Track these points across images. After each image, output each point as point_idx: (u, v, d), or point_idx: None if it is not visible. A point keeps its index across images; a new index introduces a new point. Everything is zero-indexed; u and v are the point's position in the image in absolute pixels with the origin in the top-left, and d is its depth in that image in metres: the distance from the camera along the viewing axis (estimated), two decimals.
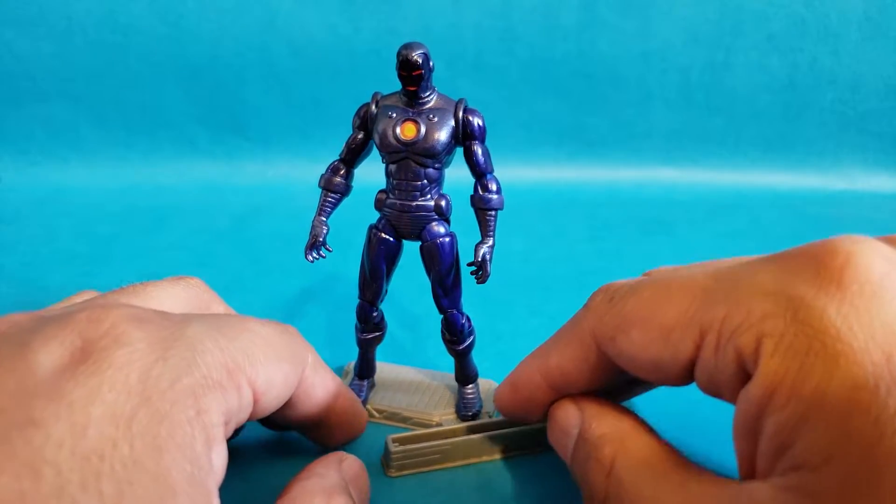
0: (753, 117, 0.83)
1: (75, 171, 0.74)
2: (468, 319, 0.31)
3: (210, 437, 0.18)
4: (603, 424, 0.22)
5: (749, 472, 0.18)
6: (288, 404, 0.25)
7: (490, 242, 0.28)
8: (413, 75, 0.26)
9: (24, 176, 0.73)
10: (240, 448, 0.29)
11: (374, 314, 0.31)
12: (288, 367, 0.23)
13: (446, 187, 0.29)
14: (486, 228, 0.28)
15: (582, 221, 0.69)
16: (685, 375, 0.20)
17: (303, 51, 0.76)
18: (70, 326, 0.19)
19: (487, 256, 0.27)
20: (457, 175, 0.30)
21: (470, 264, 0.28)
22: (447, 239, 0.29)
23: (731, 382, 0.18)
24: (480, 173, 0.28)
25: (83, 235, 0.60)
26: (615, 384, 0.25)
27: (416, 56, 0.26)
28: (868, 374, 0.15)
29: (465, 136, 0.28)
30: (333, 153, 0.29)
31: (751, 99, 0.82)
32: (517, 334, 0.32)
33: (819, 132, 0.83)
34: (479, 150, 0.28)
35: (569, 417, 0.23)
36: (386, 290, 0.31)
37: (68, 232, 0.61)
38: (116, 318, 0.19)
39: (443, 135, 0.27)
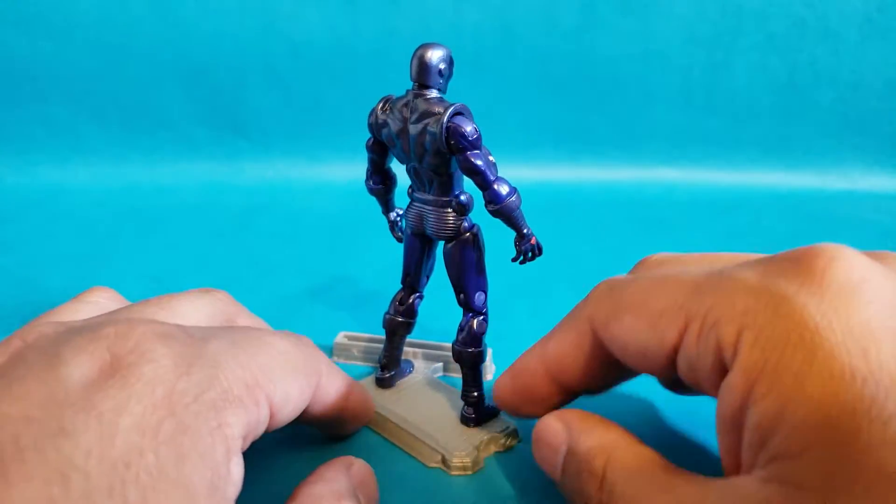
0: (753, 117, 0.83)
1: (75, 170, 0.74)
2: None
3: (229, 448, 0.19)
4: (591, 438, 0.22)
5: (733, 466, 0.18)
6: (303, 410, 0.25)
7: None
8: None
9: (24, 176, 0.73)
10: (250, 449, 0.29)
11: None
12: (304, 379, 0.24)
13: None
14: None
15: (582, 221, 0.69)
16: (669, 364, 0.21)
17: (303, 51, 0.76)
18: (98, 341, 0.19)
19: None
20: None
21: None
22: None
23: (710, 372, 0.19)
24: None
25: (83, 235, 0.60)
26: (604, 379, 0.26)
27: None
28: (845, 365, 0.16)
29: None
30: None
31: (751, 99, 0.82)
32: (517, 334, 0.32)
33: (819, 132, 0.83)
34: None
35: (556, 434, 0.23)
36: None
37: (68, 232, 0.61)
38: (142, 334, 0.20)
39: None
